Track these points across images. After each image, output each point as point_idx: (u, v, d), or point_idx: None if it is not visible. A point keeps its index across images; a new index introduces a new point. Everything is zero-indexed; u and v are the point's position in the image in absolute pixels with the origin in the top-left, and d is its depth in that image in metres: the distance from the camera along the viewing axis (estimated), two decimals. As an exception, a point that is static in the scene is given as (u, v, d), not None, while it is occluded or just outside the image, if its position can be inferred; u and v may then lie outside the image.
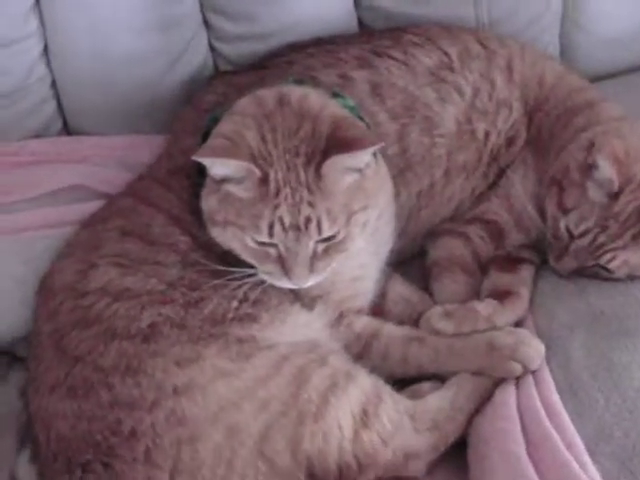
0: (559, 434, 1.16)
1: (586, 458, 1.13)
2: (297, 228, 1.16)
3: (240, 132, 1.17)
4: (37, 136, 1.68)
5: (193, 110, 1.39)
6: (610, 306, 1.31)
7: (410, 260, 1.51)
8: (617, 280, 1.35)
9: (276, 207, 1.15)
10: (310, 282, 1.20)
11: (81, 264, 1.26)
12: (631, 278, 1.35)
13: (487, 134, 1.48)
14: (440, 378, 1.31)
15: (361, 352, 1.31)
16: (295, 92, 1.24)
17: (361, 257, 1.33)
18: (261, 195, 1.16)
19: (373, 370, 1.26)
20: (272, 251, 1.18)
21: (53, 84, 1.66)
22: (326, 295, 1.31)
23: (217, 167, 1.17)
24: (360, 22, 1.69)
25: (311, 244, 1.17)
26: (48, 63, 1.63)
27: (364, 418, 1.19)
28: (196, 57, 1.64)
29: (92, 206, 1.42)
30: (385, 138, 1.42)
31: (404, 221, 1.47)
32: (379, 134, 1.40)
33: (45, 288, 1.30)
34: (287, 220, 1.15)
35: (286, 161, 1.16)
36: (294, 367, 1.18)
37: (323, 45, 1.53)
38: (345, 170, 1.18)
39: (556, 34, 1.77)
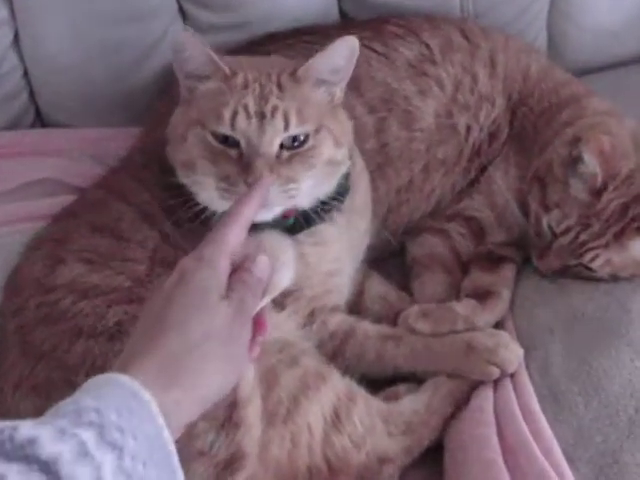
0: (537, 440, 1.14)
1: (564, 465, 1.11)
2: (262, 116, 1.13)
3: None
4: (8, 128, 1.65)
5: (166, 102, 1.36)
6: (591, 308, 1.28)
7: (390, 258, 1.48)
8: (599, 281, 1.32)
9: (242, 96, 1.14)
10: (270, 190, 1.10)
11: (49, 259, 1.23)
12: (614, 278, 1.32)
13: (469, 128, 1.45)
14: (417, 380, 1.28)
15: (336, 351, 1.28)
16: None
17: (335, 251, 1.30)
18: (229, 87, 1.16)
19: (347, 370, 1.24)
20: (233, 152, 1.15)
21: (25, 75, 1.63)
22: (299, 291, 1.27)
23: (187, 55, 1.17)
24: (341, 11, 1.66)
25: (276, 140, 1.14)
26: (19, 53, 1.61)
27: (335, 420, 1.16)
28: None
29: (64, 200, 1.39)
30: (363, 132, 1.40)
31: (383, 216, 1.44)
32: (357, 127, 1.37)
33: (12, 283, 1.27)
34: (252, 108, 1.13)
35: (258, 69, 1.17)
36: (263, 367, 1.14)
37: (302, 36, 1.50)
38: (319, 82, 1.18)
39: (544, 25, 1.74)
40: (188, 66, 1.18)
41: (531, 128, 1.45)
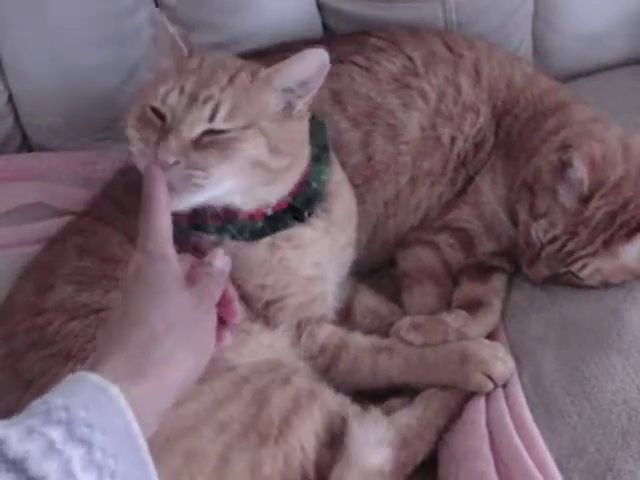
0: (530, 452, 1.13)
1: (557, 476, 1.09)
2: (194, 98, 1.11)
3: None
4: (-5, 153, 1.65)
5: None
6: (583, 316, 1.27)
7: (380, 270, 1.48)
8: (590, 288, 1.31)
9: (185, 78, 1.13)
10: (174, 170, 1.07)
11: (38, 285, 1.24)
12: (605, 286, 1.30)
13: (453, 139, 1.44)
14: (411, 392, 1.27)
15: (328, 364, 1.27)
16: None
17: (314, 255, 1.29)
18: (179, 68, 1.15)
19: (340, 385, 1.23)
20: (158, 123, 1.12)
21: (10, 99, 1.63)
22: (281, 300, 1.26)
23: (158, 37, 1.21)
24: (324, 25, 1.66)
25: (198, 127, 1.10)
26: (4, 78, 1.60)
27: (328, 439, 1.15)
28: (155, 68, 1.61)
29: (52, 224, 1.40)
30: (348, 146, 1.40)
31: (372, 229, 1.44)
32: (342, 141, 1.38)
33: (3, 310, 1.27)
34: (188, 88, 1.12)
35: (226, 62, 1.19)
36: (255, 388, 1.14)
37: (285, 51, 1.48)
38: (281, 89, 1.16)
39: (528, 33, 1.73)
40: (158, 47, 1.20)
41: (517, 137, 1.43)
